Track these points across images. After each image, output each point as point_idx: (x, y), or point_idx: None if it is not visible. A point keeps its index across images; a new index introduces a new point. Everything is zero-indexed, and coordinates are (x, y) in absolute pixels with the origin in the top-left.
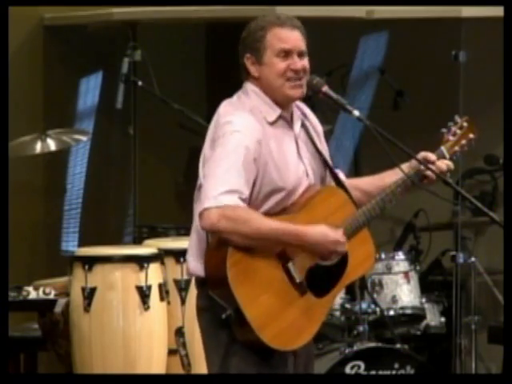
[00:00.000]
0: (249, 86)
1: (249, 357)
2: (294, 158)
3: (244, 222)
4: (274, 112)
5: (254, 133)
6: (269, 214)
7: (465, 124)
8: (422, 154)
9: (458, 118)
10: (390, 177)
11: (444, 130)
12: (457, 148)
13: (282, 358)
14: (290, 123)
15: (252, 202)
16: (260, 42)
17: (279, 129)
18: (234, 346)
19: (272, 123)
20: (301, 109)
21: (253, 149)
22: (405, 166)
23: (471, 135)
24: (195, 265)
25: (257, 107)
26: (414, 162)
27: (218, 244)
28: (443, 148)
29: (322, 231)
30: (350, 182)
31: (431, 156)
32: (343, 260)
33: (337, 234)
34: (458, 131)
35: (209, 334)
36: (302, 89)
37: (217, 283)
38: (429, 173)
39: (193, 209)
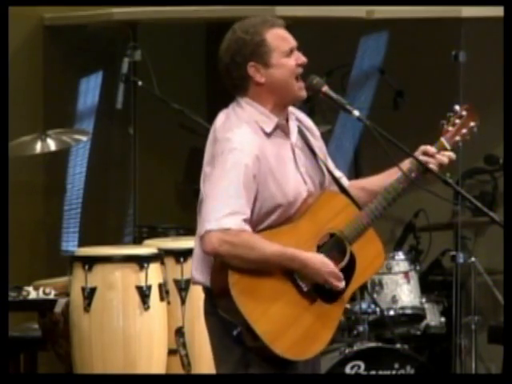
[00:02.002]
0: (241, 100)
1: (262, 365)
2: (292, 169)
3: (246, 248)
4: (270, 121)
5: (252, 149)
6: (271, 225)
7: (464, 113)
8: (422, 148)
9: (457, 107)
10: (393, 175)
11: (443, 121)
12: (458, 138)
13: (294, 363)
14: (286, 132)
15: (254, 217)
16: (263, 46)
17: (276, 139)
18: (246, 354)
19: (269, 134)
20: (295, 114)
21: (251, 166)
22: (407, 162)
23: (472, 123)
24: (200, 276)
25: (252, 118)
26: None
27: (221, 266)
28: (443, 139)
29: (323, 260)
30: (354, 183)
31: (430, 149)
32: (352, 262)
33: (336, 270)
34: (458, 121)
35: (219, 340)
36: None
37: (224, 299)
38: (431, 166)
39: (194, 207)
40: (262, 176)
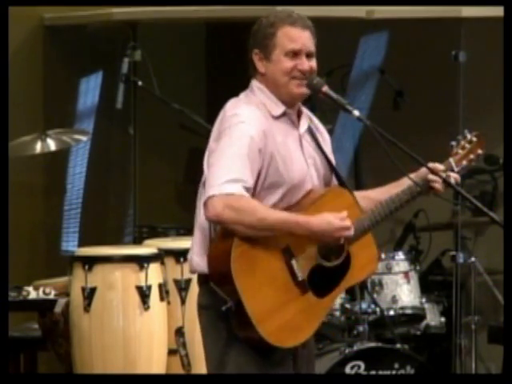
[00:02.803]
0: (254, 83)
1: (248, 353)
2: (299, 156)
3: (249, 212)
4: (278, 108)
5: (259, 124)
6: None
7: (474, 139)
8: (430, 165)
9: (467, 133)
10: (397, 187)
11: (453, 143)
12: (464, 162)
13: (282, 356)
14: (295, 122)
15: (256, 194)
16: (269, 39)
17: (283, 125)
18: (233, 341)
19: (277, 118)
20: (308, 116)
21: (258, 139)
22: (412, 176)
23: (479, 151)
24: (199, 261)
25: (262, 102)
26: (421, 172)
27: (224, 236)
28: (451, 160)
29: (327, 219)
30: (357, 193)
31: (439, 166)
32: (346, 262)
33: (342, 221)
34: (467, 145)
35: (208, 330)
36: (305, 87)
37: (219, 277)
38: (436, 185)
39: (194, 207)
40: (269, 152)
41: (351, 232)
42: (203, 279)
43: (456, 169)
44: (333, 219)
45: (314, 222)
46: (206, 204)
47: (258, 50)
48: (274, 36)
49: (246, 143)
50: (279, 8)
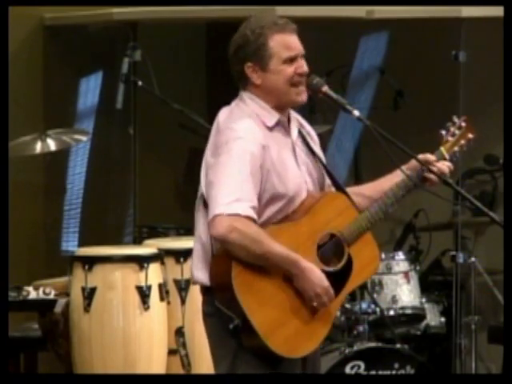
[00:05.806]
0: (245, 94)
1: (257, 363)
2: (293, 165)
3: (254, 241)
4: (272, 117)
5: (257, 138)
6: (270, 222)
7: (463, 124)
8: (422, 156)
9: (456, 119)
10: (391, 180)
11: (443, 131)
12: (456, 148)
13: (291, 362)
14: (287, 129)
15: None
16: (263, 50)
17: (278, 134)
18: (242, 352)
19: (271, 128)
20: (296, 118)
21: (258, 154)
22: (404, 168)
23: (470, 135)
24: (199, 275)
25: (255, 112)
26: (413, 163)
27: (224, 253)
28: (442, 149)
29: (322, 276)
30: (350, 189)
31: (430, 157)
32: (348, 265)
33: (330, 289)
34: (457, 131)
35: (216, 340)
36: (305, 93)
37: (222, 291)
38: (429, 175)
39: (194, 207)
40: (266, 166)
41: (327, 304)
42: (205, 289)
43: (448, 157)
44: (326, 281)
45: (310, 270)
46: (212, 222)
47: (250, 63)
48: (267, 46)
49: (247, 161)
50: (255, 11)
